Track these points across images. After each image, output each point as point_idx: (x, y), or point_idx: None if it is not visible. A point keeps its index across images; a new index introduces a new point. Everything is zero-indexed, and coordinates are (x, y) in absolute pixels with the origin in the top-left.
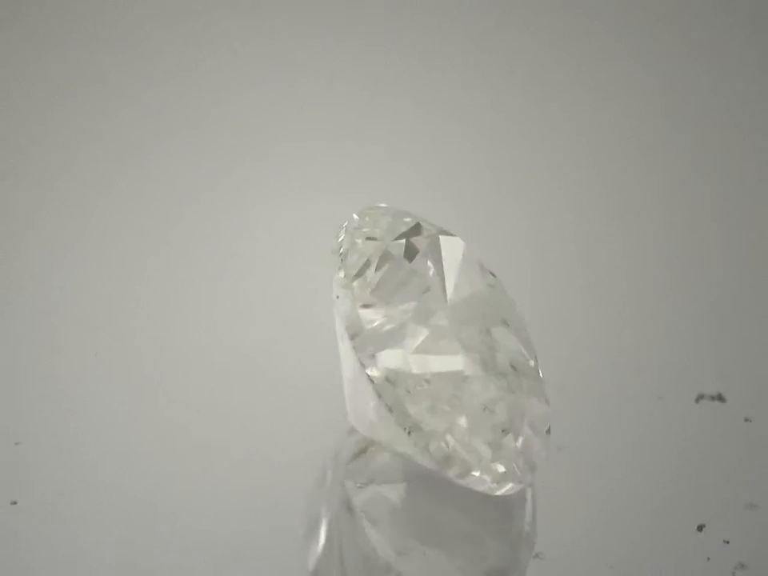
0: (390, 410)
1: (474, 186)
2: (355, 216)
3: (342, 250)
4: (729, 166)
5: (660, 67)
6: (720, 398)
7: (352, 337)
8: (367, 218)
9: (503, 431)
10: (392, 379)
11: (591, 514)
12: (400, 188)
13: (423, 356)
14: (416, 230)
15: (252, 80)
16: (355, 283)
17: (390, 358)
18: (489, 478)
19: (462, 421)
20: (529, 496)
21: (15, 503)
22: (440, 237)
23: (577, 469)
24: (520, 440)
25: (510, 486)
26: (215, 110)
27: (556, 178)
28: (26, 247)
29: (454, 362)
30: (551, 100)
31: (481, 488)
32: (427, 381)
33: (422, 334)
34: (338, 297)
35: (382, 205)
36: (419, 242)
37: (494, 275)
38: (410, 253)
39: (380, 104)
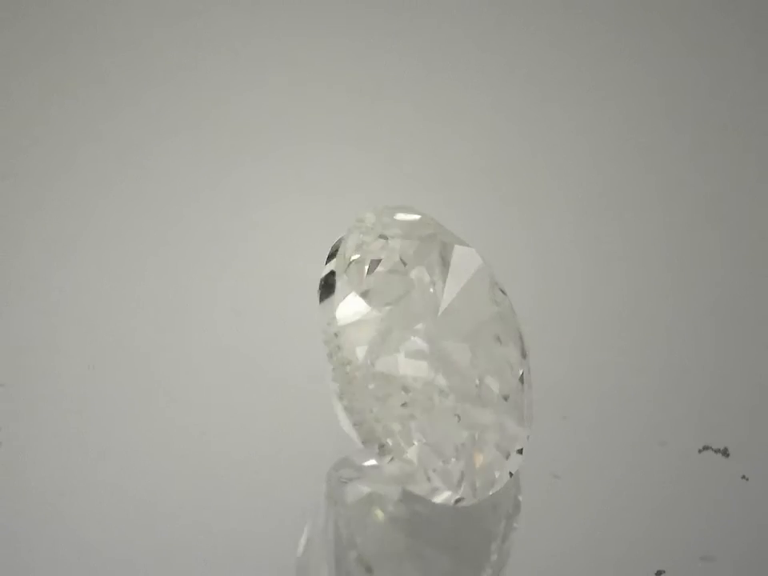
0: (341, 401)
1: (475, 186)
2: (370, 213)
3: (340, 243)
4: (729, 165)
5: (660, 67)
6: (725, 452)
7: (325, 329)
8: (384, 217)
9: (462, 445)
10: (353, 373)
11: (567, 543)
12: (400, 189)
13: (394, 357)
14: (430, 237)
15: (252, 81)
16: (345, 276)
17: (358, 353)
18: (427, 484)
19: (421, 428)
20: (503, 516)
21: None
22: (455, 246)
23: (566, 499)
24: (481, 457)
25: (448, 495)
26: (215, 110)
27: (556, 178)
28: (26, 247)
29: (421, 369)
30: (551, 100)
31: (419, 491)
32: (393, 382)
33: (399, 337)
34: (320, 287)
35: (407, 206)
36: (429, 248)
37: (503, 293)
38: (417, 257)
39: (381, 105)
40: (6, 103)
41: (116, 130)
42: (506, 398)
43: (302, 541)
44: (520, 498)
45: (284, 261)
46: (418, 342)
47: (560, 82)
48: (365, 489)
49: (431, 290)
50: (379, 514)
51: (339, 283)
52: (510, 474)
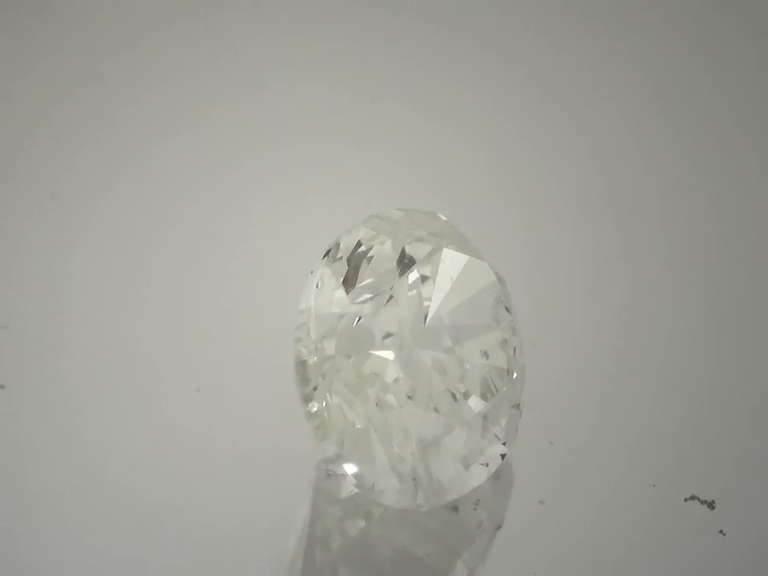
0: (300, 389)
1: (475, 186)
2: (390, 211)
3: (346, 234)
4: (729, 166)
5: (660, 67)
6: (711, 504)
7: (301, 313)
8: (402, 218)
9: (418, 451)
10: (317, 363)
11: (548, 568)
12: (401, 189)
13: (361, 355)
14: (443, 246)
15: (253, 81)
16: (340, 266)
17: (326, 345)
18: (373, 484)
19: (377, 426)
20: (486, 537)
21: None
22: (466, 259)
23: (550, 524)
24: (436, 464)
25: (394, 497)
26: (215, 110)
27: (556, 178)
28: (26, 248)
29: (386, 370)
30: (551, 100)
31: (364, 489)
32: (356, 379)
33: (372, 337)
34: (312, 272)
35: (431, 212)
36: (437, 256)
37: (508, 311)
38: (422, 264)
39: (381, 105)
40: (5, 104)
41: (116, 130)
42: (481, 415)
43: (289, 532)
44: (504, 521)
45: (285, 261)
46: (388, 344)
47: (560, 82)
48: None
49: (425, 297)
50: (349, 511)
51: (331, 272)
52: (472, 487)
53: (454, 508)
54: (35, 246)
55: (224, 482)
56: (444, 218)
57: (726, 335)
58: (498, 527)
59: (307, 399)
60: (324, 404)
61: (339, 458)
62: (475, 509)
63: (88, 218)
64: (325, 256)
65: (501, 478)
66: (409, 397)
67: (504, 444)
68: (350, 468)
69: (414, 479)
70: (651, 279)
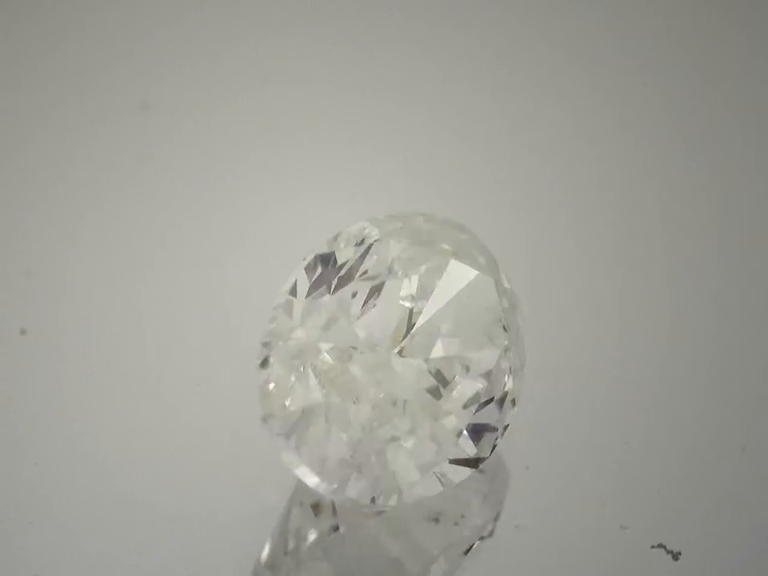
0: (261, 369)
1: (476, 188)
2: (405, 214)
3: (353, 232)
4: (730, 166)
5: (660, 66)
6: (676, 556)
7: (278, 295)
8: (412, 221)
9: (376, 451)
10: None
11: None
12: (403, 191)
13: (339, 347)
14: (449, 257)
15: (254, 80)
16: (334, 258)
17: (300, 333)
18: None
19: (331, 417)
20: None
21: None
22: (471, 273)
23: (522, 547)
24: (378, 463)
25: (333, 490)
26: (215, 110)
27: (561, 182)
28: (26, 249)
29: (358, 365)
30: (554, 102)
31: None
32: (322, 368)
33: (344, 333)
34: (304, 258)
35: (452, 220)
36: (440, 267)
37: (506, 330)
38: (423, 273)
39: (383, 105)
40: (4, 104)
41: (115, 128)
42: (453, 429)
43: (274, 533)
44: (480, 540)
45: (286, 258)
46: (369, 346)
47: (564, 84)
48: None
49: (419, 306)
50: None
51: (327, 265)
52: (427, 495)
53: (435, 519)
54: (34, 247)
55: (219, 475)
56: (464, 226)
57: (710, 384)
58: (472, 545)
59: (267, 380)
60: (283, 383)
61: (283, 436)
62: (457, 524)
63: (85, 219)
64: (319, 252)
65: (489, 497)
66: (379, 399)
67: (477, 460)
68: (298, 461)
69: (364, 473)
70: (640, 310)
